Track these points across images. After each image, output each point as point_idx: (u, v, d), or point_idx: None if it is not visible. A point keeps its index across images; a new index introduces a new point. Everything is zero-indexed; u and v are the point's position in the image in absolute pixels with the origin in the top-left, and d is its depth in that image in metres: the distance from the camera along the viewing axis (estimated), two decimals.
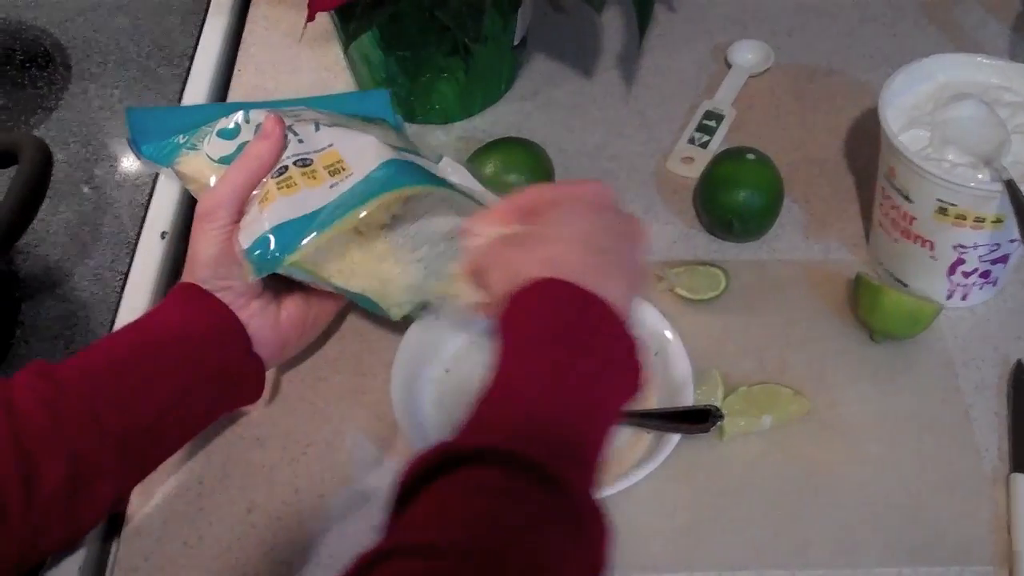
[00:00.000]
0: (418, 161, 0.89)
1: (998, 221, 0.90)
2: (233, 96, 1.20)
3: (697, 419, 0.88)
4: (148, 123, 0.93)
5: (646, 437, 0.88)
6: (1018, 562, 0.83)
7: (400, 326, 0.94)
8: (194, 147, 0.91)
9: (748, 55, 1.23)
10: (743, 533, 0.86)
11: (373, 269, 0.88)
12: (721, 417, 0.88)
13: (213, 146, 0.90)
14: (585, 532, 0.61)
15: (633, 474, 0.84)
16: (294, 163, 0.85)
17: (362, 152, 0.86)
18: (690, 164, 1.12)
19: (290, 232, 0.82)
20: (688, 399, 0.88)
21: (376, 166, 0.85)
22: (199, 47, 1.25)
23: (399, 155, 0.87)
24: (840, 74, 1.21)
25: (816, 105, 1.18)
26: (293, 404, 0.94)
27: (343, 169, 0.86)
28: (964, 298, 0.98)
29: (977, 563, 0.84)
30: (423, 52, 1.09)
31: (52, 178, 0.98)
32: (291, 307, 0.89)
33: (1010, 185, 0.86)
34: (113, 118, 1.18)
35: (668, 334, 0.92)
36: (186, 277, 0.85)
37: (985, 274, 0.96)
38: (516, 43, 1.15)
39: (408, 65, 1.10)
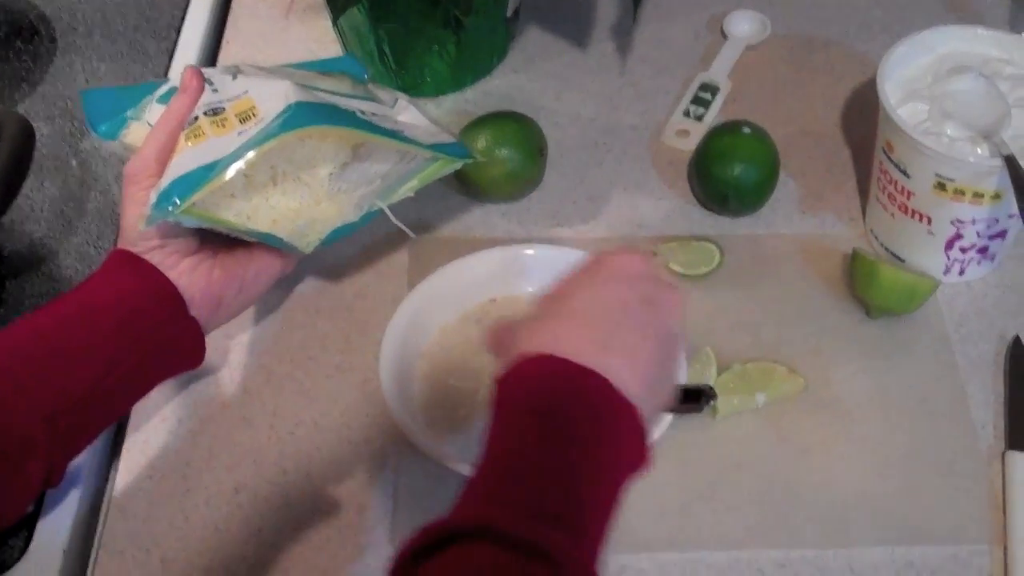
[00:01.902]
0: (349, 104, 0.89)
1: (997, 196, 0.89)
2: None
3: (690, 399, 0.87)
4: (103, 103, 0.91)
5: None
6: (1012, 540, 0.82)
7: (391, 303, 0.93)
8: (138, 118, 0.90)
9: (744, 26, 1.21)
10: (736, 512, 0.85)
11: (308, 212, 0.88)
12: (714, 397, 0.87)
13: (153, 113, 0.89)
14: None
15: None
16: (204, 113, 0.84)
17: (274, 97, 0.85)
18: (685, 137, 1.10)
19: (188, 182, 0.80)
20: (681, 377, 0.87)
21: (281, 109, 0.83)
22: (186, 19, 1.24)
23: (313, 97, 0.86)
24: (838, 45, 1.19)
25: (813, 77, 1.17)
26: (280, 383, 0.93)
27: (254, 115, 0.84)
28: (961, 273, 0.97)
29: (972, 542, 0.84)
30: (413, 24, 1.07)
31: (37, 153, 0.97)
32: (226, 262, 0.86)
33: (1010, 160, 0.85)
34: None
35: None
36: (119, 244, 0.83)
37: (983, 249, 0.95)
38: (509, 15, 1.13)
39: (398, 38, 1.09)
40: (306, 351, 0.95)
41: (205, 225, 0.82)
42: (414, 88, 1.14)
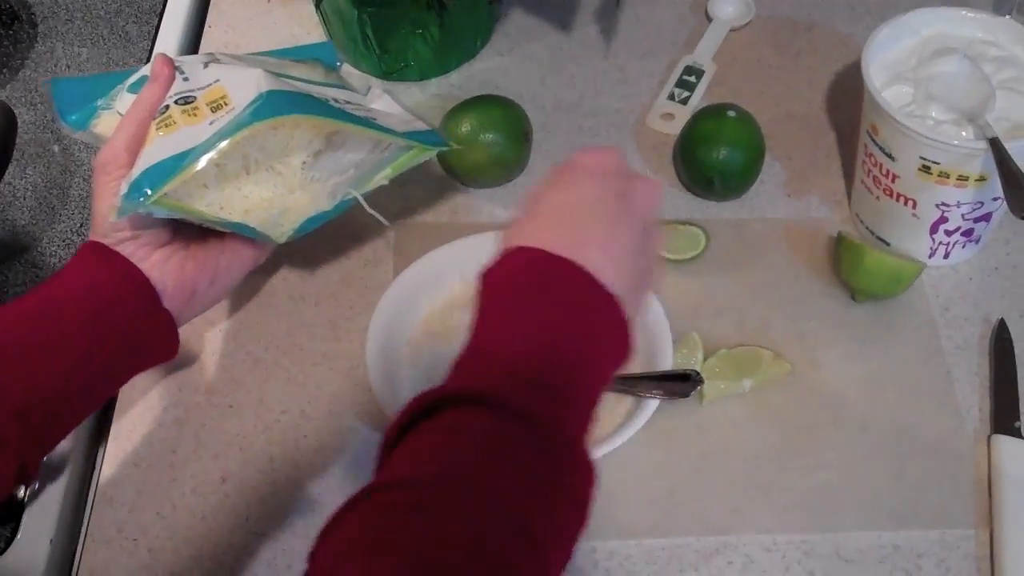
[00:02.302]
0: (322, 92, 0.88)
1: (981, 179, 0.89)
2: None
3: (677, 383, 0.87)
4: (72, 92, 0.89)
5: (626, 401, 0.87)
6: (998, 524, 0.83)
7: (377, 290, 0.93)
8: (109, 107, 0.89)
9: (729, 8, 1.21)
10: (723, 497, 0.85)
11: (281, 201, 0.87)
12: (701, 381, 0.87)
13: (124, 102, 0.88)
14: (567, 469, 0.60)
15: (613, 439, 0.83)
16: (175, 102, 0.83)
17: (245, 86, 0.83)
18: (670, 120, 1.10)
19: (159, 172, 0.78)
20: (668, 362, 0.87)
21: (252, 98, 0.82)
22: (168, 3, 1.23)
23: (284, 85, 0.85)
24: (822, 27, 1.19)
25: (798, 59, 1.16)
26: (267, 371, 0.93)
27: (225, 104, 0.83)
28: (946, 257, 0.97)
29: (958, 526, 0.84)
30: (396, 7, 1.06)
31: (18, 139, 0.96)
32: (198, 253, 0.84)
33: (994, 143, 0.85)
34: None
35: None
36: (91, 235, 0.82)
37: (968, 232, 0.95)
38: None
39: (381, 21, 1.08)
40: (292, 338, 0.95)
41: (177, 215, 0.81)
42: (398, 72, 1.13)
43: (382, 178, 0.91)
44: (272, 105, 0.81)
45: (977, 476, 0.86)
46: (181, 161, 0.79)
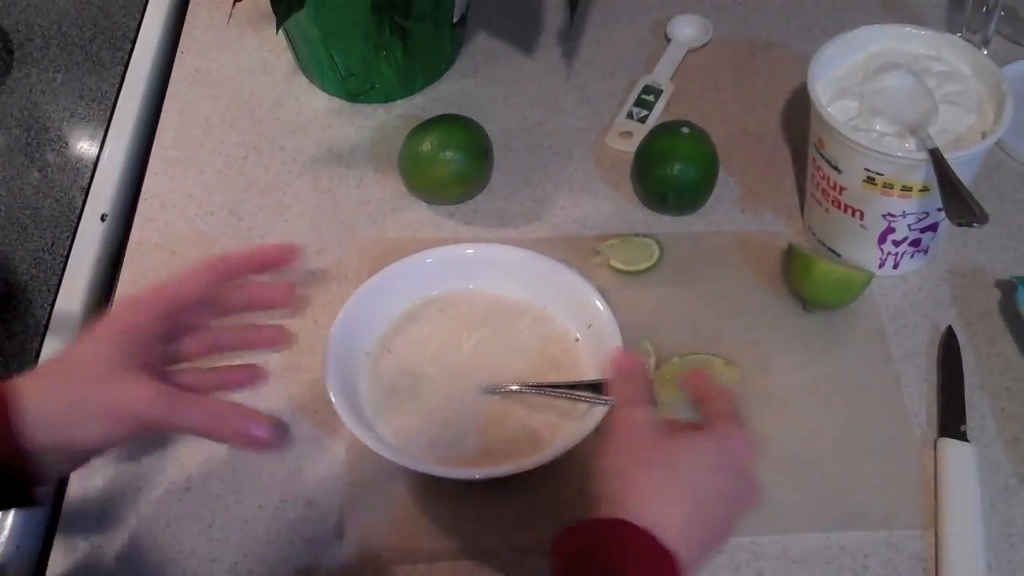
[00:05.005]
0: None
1: (925, 190, 0.91)
2: (175, 79, 1.20)
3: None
4: None
5: (578, 407, 0.89)
6: (943, 525, 0.85)
7: (339, 304, 0.94)
8: None
9: (687, 29, 1.23)
10: None
11: None
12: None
13: None
14: None
15: (564, 442, 0.85)
16: None
17: None
18: (628, 139, 1.13)
19: None
20: None
21: None
22: (141, 30, 1.25)
23: None
24: (779, 47, 1.22)
25: (754, 79, 1.19)
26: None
27: None
28: (895, 266, 1.00)
29: (904, 527, 0.86)
30: (359, 31, 1.09)
31: None
32: None
33: (934, 153, 0.87)
34: (55, 102, 1.18)
35: (599, 304, 0.92)
36: None
37: (915, 242, 0.97)
38: (456, 21, 1.15)
39: (345, 44, 1.11)
40: (255, 352, 0.96)
41: None
42: (364, 94, 1.16)
43: None
44: None
45: (924, 478, 0.88)
46: None
